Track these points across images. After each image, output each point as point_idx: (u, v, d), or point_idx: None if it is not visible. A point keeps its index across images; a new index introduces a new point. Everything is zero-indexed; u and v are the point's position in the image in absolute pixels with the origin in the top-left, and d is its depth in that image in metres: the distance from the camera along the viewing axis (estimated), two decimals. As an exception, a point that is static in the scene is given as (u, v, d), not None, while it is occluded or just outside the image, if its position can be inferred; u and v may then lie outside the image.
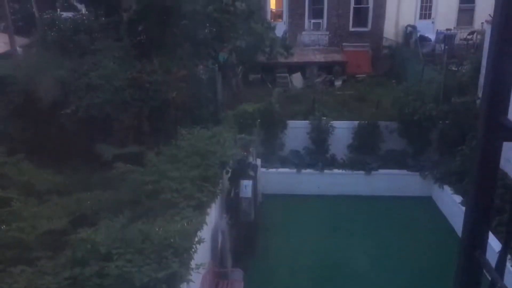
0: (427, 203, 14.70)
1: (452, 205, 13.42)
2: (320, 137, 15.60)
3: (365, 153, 15.46)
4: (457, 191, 13.52)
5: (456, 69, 17.62)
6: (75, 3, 18.60)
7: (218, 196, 9.79)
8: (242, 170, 11.36)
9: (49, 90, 11.75)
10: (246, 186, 11.07)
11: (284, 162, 15.50)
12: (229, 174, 10.88)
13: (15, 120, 11.69)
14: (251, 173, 11.73)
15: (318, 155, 15.55)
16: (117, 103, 11.99)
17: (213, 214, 9.54)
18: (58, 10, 18.26)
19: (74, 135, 11.77)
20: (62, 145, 11.59)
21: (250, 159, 12.64)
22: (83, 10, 17.23)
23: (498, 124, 2.65)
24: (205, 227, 8.17)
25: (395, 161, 15.24)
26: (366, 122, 15.61)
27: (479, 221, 2.95)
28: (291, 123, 15.89)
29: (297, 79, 21.28)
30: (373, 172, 15.09)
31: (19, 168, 9.49)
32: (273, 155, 15.51)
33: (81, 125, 11.79)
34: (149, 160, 9.45)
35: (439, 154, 15.13)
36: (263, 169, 14.86)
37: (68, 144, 11.67)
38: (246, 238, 11.49)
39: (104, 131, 12.43)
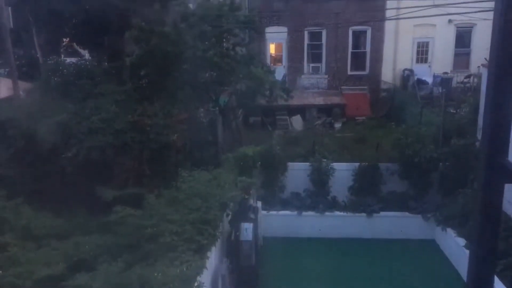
0: (430, 246, 14.47)
1: (456, 248, 13.21)
2: (320, 179, 15.56)
3: (366, 195, 15.38)
4: (460, 234, 13.34)
5: (454, 111, 17.79)
6: (79, 49, 19.01)
7: (219, 239, 9.66)
8: (242, 213, 11.27)
9: (50, 134, 11.82)
10: (246, 229, 10.94)
11: (285, 205, 15.39)
12: (230, 217, 10.78)
13: (16, 164, 11.69)
14: (252, 215, 11.63)
15: (319, 197, 15.46)
16: (118, 146, 12.04)
17: (213, 258, 9.38)
18: (62, 55, 18.64)
19: (74, 178, 11.73)
20: (62, 188, 11.54)
21: (251, 201, 12.56)
22: (87, 56, 17.60)
23: (499, 166, 2.65)
24: (205, 271, 8.02)
25: (397, 203, 15.13)
26: (367, 164, 15.61)
27: (483, 265, 2.90)
28: (292, 165, 15.89)
29: (297, 122, 21.45)
30: (374, 215, 14.95)
31: (18, 212, 9.42)
32: (273, 198, 15.42)
33: (82, 168, 11.78)
34: (149, 203, 9.39)
35: (441, 196, 15.04)
36: (264, 212, 14.74)
37: (68, 187, 11.62)
38: (246, 284, 11.24)
39: (104, 174, 12.40)
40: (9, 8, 15.73)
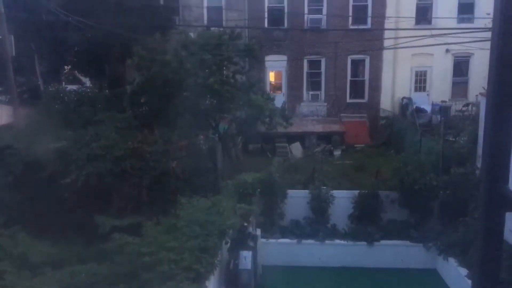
0: (432, 276, 14.27)
1: (457, 278, 13.02)
2: (320, 206, 15.47)
3: (367, 223, 15.26)
4: (462, 263, 13.17)
5: (453, 139, 17.83)
6: (80, 76, 19.20)
7: (217, 268, 9.53)
8: (241, 241, 11.16)
9: (49, 161, 11.83)
10: (245, 258, 10.82)
11: (284, 232, 15.25)
12: (229, 245, 10.67)
13: (14, 191, 11.65)
14: (251, 243, 11.52)
15: (318, 225, 15.34)
16: (117, 173, 12.02)
17: (212, 287, 9.23)
18: (63, 83, 18.82)
19: (73, 205, 11.68)
20: (60, 215, 11.46)
21: (250, 229, 12.46)
22: (88, 83, 17.76)
23: (500, 195, 2.63)
24: (203, 301, 7.89)
25: (397, 231, 15.00)
26: (367, 191, 15.55)
27: (487, 296, 2.85)
28: (291, 193, 15.82)
29: (296, 149, 21.48)
30: (375, 243, 14.80)
31: (15, 240, 9.33)
32: (273, 225, 15.29)
33: (80, 195, 11.74)
34: (147, 230, 9.31)
35: (441, 224, 14.92)
36: (263, 240, 14.58)
37: (66, 214, 11.56)
38: (245, 313, 11.04)
39: (103, 201, 12.35)
40: (12, 36, 15.97)
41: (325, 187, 15.62)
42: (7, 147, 12.08)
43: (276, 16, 24.07)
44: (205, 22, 22.96)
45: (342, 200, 15.50)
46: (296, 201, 15.64)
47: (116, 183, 12.16)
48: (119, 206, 12.49)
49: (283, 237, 15.12)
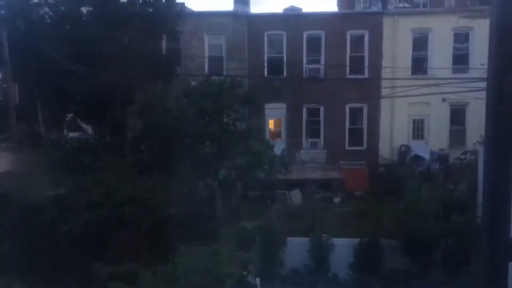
0: (436, 328, 13.87)
1: (462, 330, 12.66)
2: (320, 255, 15.23)
3: (368, 272, 14.97)
4: (466, 315, 12.85)
5: (452, 187, 17.83)
6: (82, 124, 19.41)
7: (216, 319, 9.29)
8: (241, 291, 10.92)
9: (47, 208, 11.76)
10: (245, 308, 10.55)
11: (284, 281, 14.93)
12: (228, 295, 10.42)
13: (11, 238, 11.51)
14: (250, 293, 11.26)
15: (319, 274, 15.04)
16: (116, 220, 11.92)
17: None
18: (65, 130, 18.99)
19: (70, 252, 11.51)
20: (57, 262, 11.28)
21: (249, 278, 12.21)
22: (90, 130, 17.93)
23: (502, 245, 2.64)
24: None
25: (399, 281, 14.69)
26: (367, 240, 15.37)
27: None
28: (291, 240, 15.61)
29: (296, 196, 21.39)
30: (377, 293, 14.47)
31: (10, 288, 9.14)
32: (273, 274, 14.98)
33: (77, 242, 11.58)
34: (144, 279, 9.14)
35: (444, 274, 14.65)
36: (263, 290, 14.26)
37: (63, 261, 11.36)
38: None
39: (100, 249, 12.17)
40: (16, 85, 16.28)
41: (325, 235, 15.44)
42: (6, 195, 12.04)
43: (275, 65, 24.62)
44: (206, 70, 23.48)
45: (343, 248, 15.27)
46: (296, 249, 15.41)
47: (114, 231, 12.02)
48: (117, 253, 12.31)
49: (283, 286, 14.79)
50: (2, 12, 17.81)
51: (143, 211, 12.29)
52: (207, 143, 15.65)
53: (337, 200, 21.14)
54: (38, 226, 11.55)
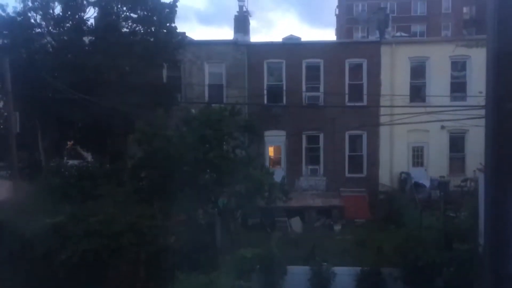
0: None
1: None
2: (321, 284, 14.99)
3: (370, 302, 14.74)
4: None
5: (453, 215, 17.72)
6: (82, 151, 19.45)
7: None
8: (240, 321, 10.73)
9: (46, 237, 11.67)
10: None
11: (284, 312, 14.67)
12: (227, 326, 10.24)
13: (9, 267, 11.39)
14: (250, 324, 11.06)
15: (320, 304, 14.79)
16: (114, 249, 11.80)
17: None
18: (65, 157, 19.00)
19: (68, 281, 11.36)
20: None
21: (249, 308, 12.02)
22: (89, 157, 17.95)
23: (506, 275, 2.61)
24: None
25: (402, 310, 14.45)
26: (369, 268, 15.18)
27: None
28: (291, 269, 15.39)
29: (296, 223, 21.24)
30: (379, 324, 14.21)
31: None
32: (273, 304, 14.74)
33: (75, 271, 11.45)
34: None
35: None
36: (263, 320, 14.00)
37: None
38: None
39: (98, 277, 12.02)
40: (17, 113, 16.39)
41: (326, 264, 15.25)
42: (5, 223, 11.98)
43: (275, 93, 24.85)
44: (207, 98, 23.66)
45: (344, 277, 15.06)
46: (297, 278, 15.18)
47: (113, 259, 11.90)
48: (115, 282, 12.15)
49: (283, 316, 14.53)
50: (5, 41, 18.07)
51: (142, 239, 12.19)
52: (207, 170, 15.63)
53: (337, 227, 20.98)
54: (36, 255, 11.44)
